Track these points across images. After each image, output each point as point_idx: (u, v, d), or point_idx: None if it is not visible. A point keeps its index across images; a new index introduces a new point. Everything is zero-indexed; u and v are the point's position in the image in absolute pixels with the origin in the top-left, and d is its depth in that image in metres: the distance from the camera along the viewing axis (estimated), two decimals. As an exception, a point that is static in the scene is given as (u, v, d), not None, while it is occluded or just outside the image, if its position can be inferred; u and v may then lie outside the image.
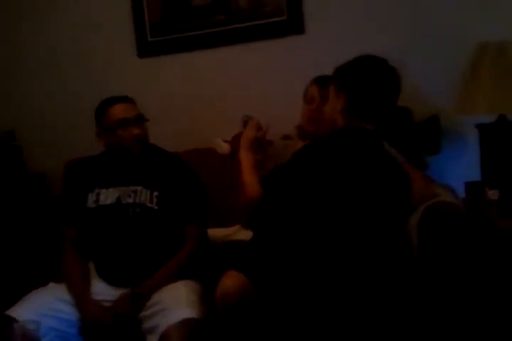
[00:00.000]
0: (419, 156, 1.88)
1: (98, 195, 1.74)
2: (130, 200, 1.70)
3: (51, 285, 1.67)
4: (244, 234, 1.79)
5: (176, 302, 1.50)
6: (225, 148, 2.01)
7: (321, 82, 1.75)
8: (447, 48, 2.04)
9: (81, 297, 1.60)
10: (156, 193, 1.70)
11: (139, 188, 1.71)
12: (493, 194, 1.70)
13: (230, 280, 1.38)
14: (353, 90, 1.45)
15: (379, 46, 2.11)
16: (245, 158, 1.52)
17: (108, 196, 1.73)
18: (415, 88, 2.07)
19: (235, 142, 1.87)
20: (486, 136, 1.88)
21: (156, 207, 1.69)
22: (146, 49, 2.46)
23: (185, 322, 1.44)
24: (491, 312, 1.56)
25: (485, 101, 1.83)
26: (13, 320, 1.44)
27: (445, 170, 1.98)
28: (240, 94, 2.31)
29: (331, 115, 1.50)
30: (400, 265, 1.43)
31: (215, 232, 1.90)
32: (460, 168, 2.00)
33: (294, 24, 2.24)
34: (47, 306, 1.54)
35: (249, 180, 1.48)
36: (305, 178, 1.42)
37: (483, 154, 1.87)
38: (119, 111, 1.70)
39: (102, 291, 1.64)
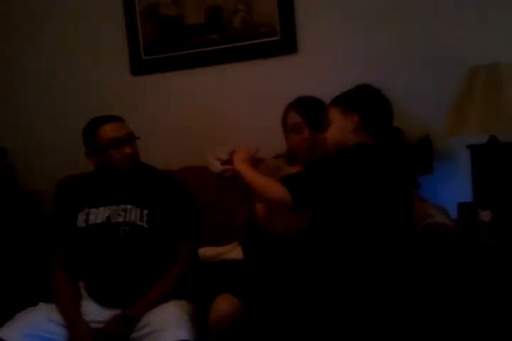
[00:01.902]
0: (411, 176, 1.89)
1: (88, 214, 1.73)
2: (120, 219, 1.69)
3: (41, 305, 1.65)
4: (237, 253, 1.78)
5: (167, 324, 1.49)
6: (217, 166, 2.00)
7: (301, 108, 1.74)
8: (439, 70, 2.07)
9: (71, 318, 1.58)
10: (146, 211, 1.69)
11: (128, 207, 1.70)
12: (485, 215, 1.71)
13: (224, 304, 1.38)
14: (366, 108, 1.52)
15: (371, 67, 2.15)
16: (245, 167, 1.50)
17: (98, 215, 1.71)
18: (407, 109, 2.08)
19: (228, 160, 1.87)
20: (477, 156, 1.90)
21: (146, 226, 1.68)
22: (139, 67, 2.47)
23: (177, 344, 1.42)
24: (482, 329, 1.55)
25: (476, 123, 1.84)
26: (2, 340, 1.44)
27: (437, 191, 1.99)
28: (232, 113, 2.33)
29: (339, 135, 1.52)
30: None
31: (207, 251, 1.89)
32: (452, 188, 2.01)
33: (287, 44, 2.26)
34: (36, 327, 1.53)
35: (267, 180, 1.42)
36: (355, 188, 1.41)
37: (475, 175, 1.88)
38: (110, 130, 1.69)
39: (92, 311, 1.62)
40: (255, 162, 1.62)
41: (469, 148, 1.91)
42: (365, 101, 1.54)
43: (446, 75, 2.03)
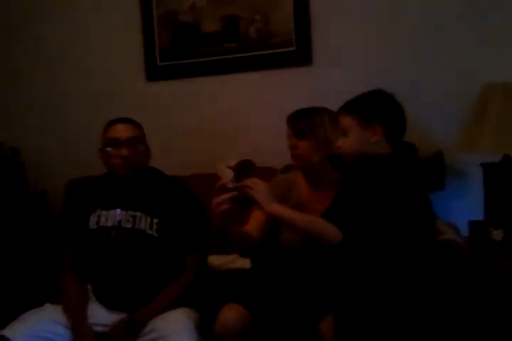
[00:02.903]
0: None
1: (99, 216, 1.73)
2: (129, 225, 1.69)
3: (47, 305, 1.64)
4: (243, 262, 1.77)
5: (173, 330, 1.48)
6: (228, 174, 1.99)
7: (288, 118, 1.74)
8: (454, 86, 2.07)
9: (76, 321, 1.58)
10: (156, 220, 1.69)
11: (138, 214, 1.70)
12: (497, 234, 1.69)
13: (230, 314, 1.37)
14: (388, 118, 1.47)
15: (386, 81, 2.14)
16: (280, 208, 1.41)
17: (109, 218, 1.72)
18: (421, 124, 2.08)
19: (239, 168, 1.86)
20: (490, 175, 1.88)
21: (155, 235, 1.67)
22: (155, 73, 2.49)
23: (182, 351, 1.42)
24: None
25: (490, 141, 1.83)
26: (7, 339, 1.43)
27: (448, 208, 1.98)
28: (245, 122, 2.33)
29: (358, 147, 1.47)
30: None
31: (214, 259, 1.88)
32: (463, 206, 2.00)
33: (302, 55, 2.27)
34: (41, 328, 1.52)
35: (323, 221, 1.34)
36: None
37: (487, 193, 1.87)
38: (114, 130, 1.72)
39: (98, 314, 1.62)
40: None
41: (482, 166, 1.90)
42: (386, 110, 1.48)
43: (460, 91, 2.03)
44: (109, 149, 1.69)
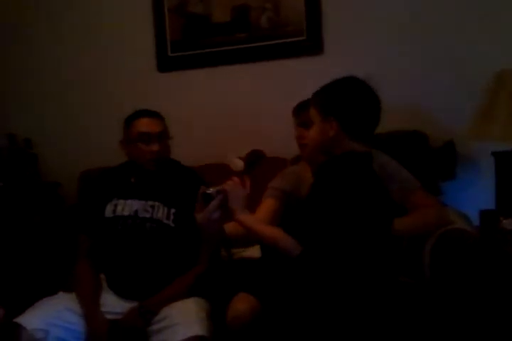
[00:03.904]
0: (433, 182, 1.87)
1: (116, 205, 1.74)
2: (147, 215, 1.70)
3: (61, 294, 1.66)
4: (255, 251, 1.79)
5: (185, 319, 1.50)
6: (238, 164, 2.01)
7: (294, 108, 1.75)
8: (465, 75, 2.05)
9: (89, 309, 1.59)
10: (173, 210, 1.70)
11: (156, 204, 1.71)
12: (508, 223, 1.68)
13: (241, 305, 1.38)
14: (343, 113, 1.39)
15: (397, 71, 2.14)
16: (249, 219, 1.40)
17: (125, 207, 1.73)
18: (432, 113, 2.08)
19: (249, 158, 1.88)
20: (502, 163, 1.87)
21: (172, 225, 1.68)
22: (166, 64, 2.49)
23: (193, 339, 1.44)
24: (500, 337, 1.53)
25: (501, 129, 1.82)
26: (22, 327, 1.45)
27: (459, 197, 1.97)
28: (256, 112, 2.33)
29: (319, 141, 1.42)
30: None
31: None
32: (474, 195, 1.99)
33: (313, 44, 2.27)
34: (55, 315, 1.54)
35: (283, 239, 1.33)
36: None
37: (498, 182, 1.86)
38: (144, 125, 1.71)
39: (111, 303, 1.64)
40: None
41: (494, 155, 1.89)
42: (342, 104, 1.39)
43: (472, 79, 2.01)
44: (140, 144, 1.69)
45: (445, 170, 1.95)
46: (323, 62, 2.24)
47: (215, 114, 2.40)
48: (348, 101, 1.39)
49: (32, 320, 1.49)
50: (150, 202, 1.71)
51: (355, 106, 1.39)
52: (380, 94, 2.11)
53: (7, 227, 2.13)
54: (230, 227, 1.51)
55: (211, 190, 1.38)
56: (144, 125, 1.70)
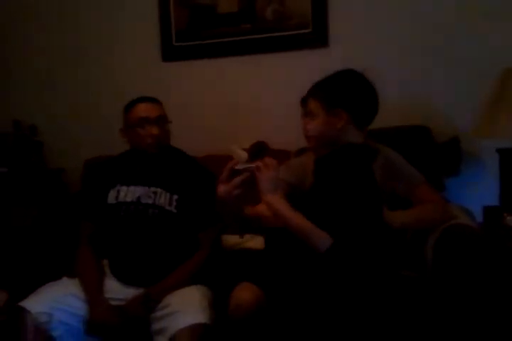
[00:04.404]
0: (437, 177, 1.87)
1: (119, 191, 1.76)
2: (150, 201, 1.72)
3: (64, 279, 1.67)
4: (257, 242, 1.79)
5: (187, 307, 1.50)
6: (242, 156, 2.00)
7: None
8: (471, 71, 2.05)
9: (92, 294, 1.60)
10: (175, 197, 1.71)
11: (159, 190, 1.72)
12: (511, 219, 1.68)
13: (244, 293, 1.38)
14: (354, 104, 1.40)
15: (403, 65, 2.12)
16: (278, 201, 1.35)
17: (128, 194, 1.74)
18: (437, 109, 2.07)
19: (253, 150, 1.86)
20: (506, 160, 1.87)
21: (174, 211, 1.70)
22: (170, 53, 2.48)
23: (195, 327, 1.44)
24: (502, 333, 1.53)
25: (507, 126, 1.81)
26: (26, 311, 1.46)
27: (463, 193, 1.98)
28: (259, 103, 2.33)
29: (324, 133, 1.43)
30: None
31: (229, 238, 1.90)
32: (478, 191, 1.99)
33: (318, 37, 2.26)
34: (59, 300, 1.55)
35: (314, 232, 1.33)
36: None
37: (502, 179, 1.86)
38: (141, 110, 1.73)
39: (114, 289, 1.65)
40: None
41: (498, 151, 1.88)
42: (351, 96, 1.42)
43: (479, 76, 2.01)
44: (139, 129, 1.70)
45: (449, 166, 1.95)
46: (328, 54, 2.23)
47: (219, 105, 2.39)
48: (356, 93, 1.41)
49: (36, 304, 1.50)
50: (152, 188, 1.73)
51: (363, 97, 1.41)
52: (385, 88, 2.13)
53: (11, 213, 2.15)
54: (254, 209, 1.48)
55: (240, 166, 1.34)
56: (142, 110, 1.72)
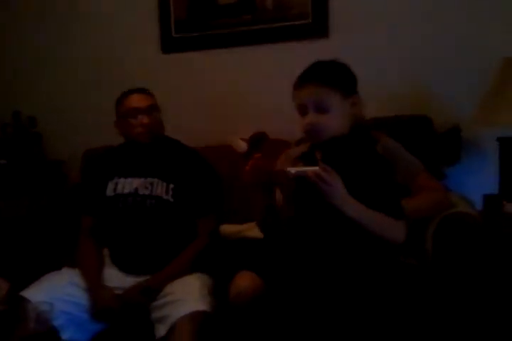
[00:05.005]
0: (438, 166, 1.87)
1: (117, 183, 1.77)
2: (147, 192, 1.73)
3: (65, 269, 1.69)
4: (257, 231, 1.79)
5: (188, 295, 1.51)
6: (242, 146, 2.00)
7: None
8: (471, 60, 2.04)
9: (93, 282, 1.62)
10: (172, 186, 1.72)
11: (155, 180, 1.74)
12: (510, 207, 1.68)
13: (244, 282, 1.38)
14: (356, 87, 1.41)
15: (402, 54, 2.12)
16: (358, 209, 1.28)
17: (125, 185, 1.76)
18: (437, 98, 2.06)
19: (252, 140, 1.87)
20: (506, 149, 1.87)
21: (171, 200, 1.71)
22: (170, 45, 2.48)
23: (196, 315, 1.45)
24: (503, 322, 1.54)
25: (508, 115, 1.81)
26: (27, 300, 1.48)
27: (463, 182, 1.97)
28: (260, 94, 2.32)
29: (341, 123, 1.37)
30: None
31: (228, 228, 1.91)
32: (478, 180, 1.99)
33: (318, 28, 2.25)
34: (59, 289, 1.56)
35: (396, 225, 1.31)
36: None
37: (502, 167, 1.85)
38: (132, 100, 1.75)
39: (115, 278, 1.66)
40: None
41: (499, 140, 1.88)
42: (355, 80, 1.42)
43: (480, 65, 2.00)
44: (131, 119, 1.72)
45: (450, 155, 1.95)
46: (328, 45, 2.22)
47: (218, 97, 2.38)
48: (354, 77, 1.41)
49: (37, 293, 1.51)
50: (149, 179, 1.74)
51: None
52: (385, 77, 2.12)
53: (11, 204, 2.15)
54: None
55: (293, 170, 1.24)
56: (133, 101, 1.75)
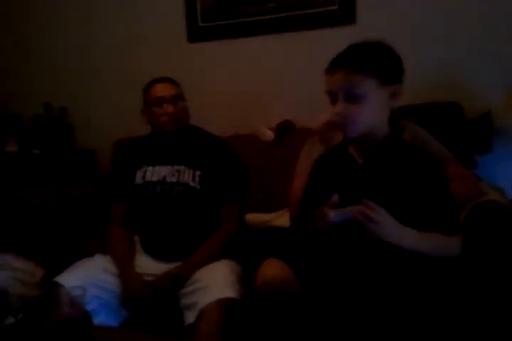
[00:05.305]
0: (468, 154, 1.83)
1: (145, 172, 1.80)
2: (174, 179, 1.75)
3: (97, 256, 1.72)
4: (285, 221, 1.79)
5: (216, 281, 1.53)
6: (268, 135, 2.00)
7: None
8: (505, 46, 1.97)
9: (124, 270, 1.65)
10: (198, 173, 1.74)
11: (182, 168, 1.76)
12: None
13: (270, 269, 1.35)
14: (402, 76, 1.27)
15: (433, 40, 2.07)
16: (414, 240, 1.22)
17: (154, 173, 1.78)
18: (469, 84, 2.02)
19: (278, 129, 1.87)
20: (539, 136, 1.81)
21: (198, 187, 1.73)
22: (196, 34, 2.48)
23: (224, 301, 1.47)
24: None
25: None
26: (61, 285, 1.51)
27: (494, 170, 1.93)
28: (285, 83, 2.31)
29: (374, 114, 1.25)
30: None
31: (255, 217, 1.92)
32: (510, 168, 1.94)
33: (345, 14, 2.22)
34: (92, 275, 1.60)
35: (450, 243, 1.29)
36: None
37: (535, 155, 1.80)
38: (158, 90, 1.77)
39: (146, 264, 1.69)
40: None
41: (531, 127, 1.83)
42: (402, 69, 1.26)
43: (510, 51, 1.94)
44: (156, 108, 1.75)
45: (481, 143, 1.90)
46: (355, 32, 2.19)
47: (245, 85, 2.38)
48: (399, 63, 1.28)
49: (70, 278, 1.55)
50: (176, 167, 1.77)
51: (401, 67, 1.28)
52: (415, 64, 2.07)
53: (45, 194, 2.20)
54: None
55: (336, 217, 1.17)
56: (158, 90, 1.76)
